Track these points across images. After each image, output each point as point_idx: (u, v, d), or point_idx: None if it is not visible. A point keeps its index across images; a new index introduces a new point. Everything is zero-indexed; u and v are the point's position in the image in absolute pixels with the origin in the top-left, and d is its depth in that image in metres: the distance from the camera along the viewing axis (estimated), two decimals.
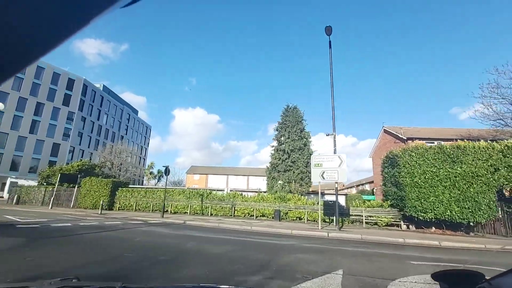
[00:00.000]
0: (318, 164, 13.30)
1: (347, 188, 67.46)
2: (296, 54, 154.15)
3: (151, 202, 21.18)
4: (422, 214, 14.41)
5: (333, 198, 28.91)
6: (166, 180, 16.40)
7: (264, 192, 21.89)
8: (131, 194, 22.21)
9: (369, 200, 18.83)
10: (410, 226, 15.79)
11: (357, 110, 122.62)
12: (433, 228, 15.20)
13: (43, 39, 0.36)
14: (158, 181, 52.22)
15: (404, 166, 15.22)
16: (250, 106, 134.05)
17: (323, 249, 7.91)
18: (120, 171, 47.67)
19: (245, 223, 14.16)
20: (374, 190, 35.16)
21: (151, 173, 48.51)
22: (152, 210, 20.73)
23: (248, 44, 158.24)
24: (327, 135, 13.73)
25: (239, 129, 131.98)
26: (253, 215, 18.52)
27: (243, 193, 21.45)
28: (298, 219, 17.91)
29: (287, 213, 18.13)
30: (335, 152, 13.50)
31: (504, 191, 14.75)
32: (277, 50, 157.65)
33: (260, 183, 43.48)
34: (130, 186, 24.71)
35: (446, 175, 14.40)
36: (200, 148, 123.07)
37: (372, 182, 41.05)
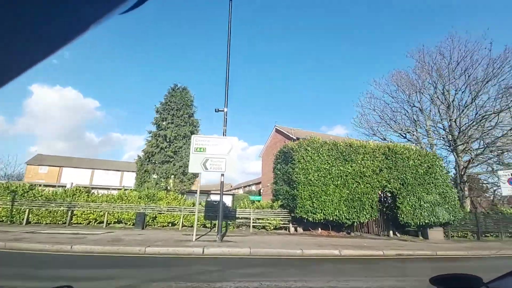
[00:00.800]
0: (200, 148, 9.42)
1: (235, 189, 67.20)
2: (197, 47, 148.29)
3: None
4: (312, 214, 12.85)
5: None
6: None
7: (126, 189, 16.08)
8: None
9: (258, 201, 16.47)
10: (298, 229, 14.16)
11: (250, 115, 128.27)
12: (320, 229, 14.06)
13: (43, 45, 0.36)
14: None
15: (299, 161, 13.41)
16: (141, 95, 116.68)
17: None
18: None
19: (72, 238, 8.61)
20: (261, 191, 34.60)
21: None
22: None
23: (147, 21, 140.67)
24: (217, 110, 10.08)
25: (125, 120, 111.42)
26: (103, 222, 12.73)
27: (96, 191, 15.10)
28: (170, 224, 13.44)
29: (156, 217, 13.34)
30: (224, 134, 9.98)
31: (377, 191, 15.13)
32: (179, 37, 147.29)
33: None
34: None
35: (338, 173, 13.42)
36: (68, 137, 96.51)
37: (260, 183, 40.95)
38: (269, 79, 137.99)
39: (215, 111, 10.08)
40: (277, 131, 30.64)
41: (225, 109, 9.97)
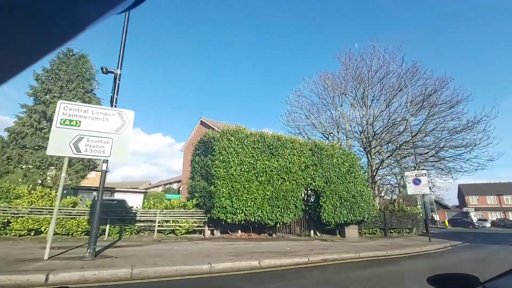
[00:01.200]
0: (70, 121, 6.35)
1: (154, 187, 60.96)
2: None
3: None
4: (232, 215, 11.00)
5: (129, 197, 21.74)
6: None
7: None
8: None
9: (169, 199, 13.70)
10: (215, 232, 12.13)
11: (179, 110, 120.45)
12: (239, 232, 12.36)
13: (40, 45, 0.36)
14: None
15: (220, 152, 11.37)
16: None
17: None
18: None
19: None
20: (181, 189, 31.28)
21: None
22: None
23: None
24: (105, 71, 7.11)
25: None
26: None
27: None
28: (33, 233, 9.52)
29: (9, 222, 9.25)
30: (114, 105, 7.11)
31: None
32: None
33: None
34: None
35: (263, 168, 11.92)
36: None
37: (181, 181, 37.33)
38: (199, 76, 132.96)
39: (103, 72, 7.10)
40: (203, 123, 28.02)
41: (118, 71, 7.10)
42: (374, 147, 20.17)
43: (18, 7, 0.31)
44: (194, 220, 11.76)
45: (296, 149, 12.92)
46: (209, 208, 11.40)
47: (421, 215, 19.49)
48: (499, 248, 12.18)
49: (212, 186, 11.00)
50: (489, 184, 48.80)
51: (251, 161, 11.79)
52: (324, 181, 13.31)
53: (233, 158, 11.43)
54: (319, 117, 22.44)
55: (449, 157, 18.79)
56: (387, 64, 19.47)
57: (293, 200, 12.26)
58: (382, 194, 24.41)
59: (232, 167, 11.30)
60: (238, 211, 11.05)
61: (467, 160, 18.17)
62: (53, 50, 0.37)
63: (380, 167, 20.44)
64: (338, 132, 21.81)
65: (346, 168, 14.16)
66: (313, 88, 22.09)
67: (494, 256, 9.84)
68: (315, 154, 13.47)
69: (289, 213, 12.09)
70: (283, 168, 12.33)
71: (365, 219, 14.39)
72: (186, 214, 11.74)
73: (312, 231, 14.21)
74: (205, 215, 11.65)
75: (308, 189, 13.84)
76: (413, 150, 19.67)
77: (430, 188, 24.80)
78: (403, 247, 10.71)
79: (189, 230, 11.72)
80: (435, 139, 18.63)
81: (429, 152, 19.23)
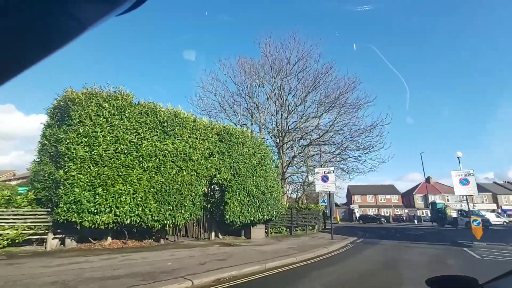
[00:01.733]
0: None
1: (20, 178, 47.01)
2: None
3: None
4: (93, 215, 7.46)
5: None
6: None
7: None
8: None
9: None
10: (69, 240, 8.23)
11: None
12: (109, 239, 8.84)
13: (40, 46, 0.36)
14: None
15: (81, 122, 7.61)
16: None
17: None
18: None
19: None
20: None
21: None
22: None
23: None
24: None
25: None
26: None
27: None
28: None
29: None
30: None
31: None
32: None
33: None
34: None
35: (151, 151, 8.73)
36: None
37: None
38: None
39: None
40: None
41: None
42: (287, 143, 19.47)
43: (18, 10, 0.30)
44: (29, 224, 7.55)
45: (199, 130, 10.22)
46: (56, 203, 7.45)
47: (323, 212, 19.96)
48: (393, 245, 12.58)
49: (61, 171, 7.13)
50: (368, 185, 57.95)
51: (134, 140, 8.44)
52: (231, 173, 11.08)
53: (103, 133, 7.83)
54: (234, 105, 20.44)
55: (351, 157, 19.69)
56: (305, 58, 19.03)
57: (191, 195, 9.53)
58: (290, 192, 24.27)
59: (100, 145, 7.70)
60: (105, 207, 7.58)
61: (364, 161, 19.34)
62: (54, 51, 0.36)
63: (290, 165, 19.94)
64: (252, 124, 20.26)
65: (257, 160, 12.36)
66: (229, 72, 19.87)
67: (397, 256, 9.64)
68: (223, 140, 11.10)
69: (183, 212, 9.29)
70: (181, 154, 9.44)
71: (273, 218, 12.92)
72: (14, 215, 7.42)
73: (213, 233, 11.82)
74: (47, 215, 7.60)
75: (212, 182, 11.35)
76: (319, 148, 19.92)
77: None
78: (311, 249, 9.48)
79: (19, 241, 7.43)
80: (341, 139, 19.18)
81: (335, 151, 19.74)
